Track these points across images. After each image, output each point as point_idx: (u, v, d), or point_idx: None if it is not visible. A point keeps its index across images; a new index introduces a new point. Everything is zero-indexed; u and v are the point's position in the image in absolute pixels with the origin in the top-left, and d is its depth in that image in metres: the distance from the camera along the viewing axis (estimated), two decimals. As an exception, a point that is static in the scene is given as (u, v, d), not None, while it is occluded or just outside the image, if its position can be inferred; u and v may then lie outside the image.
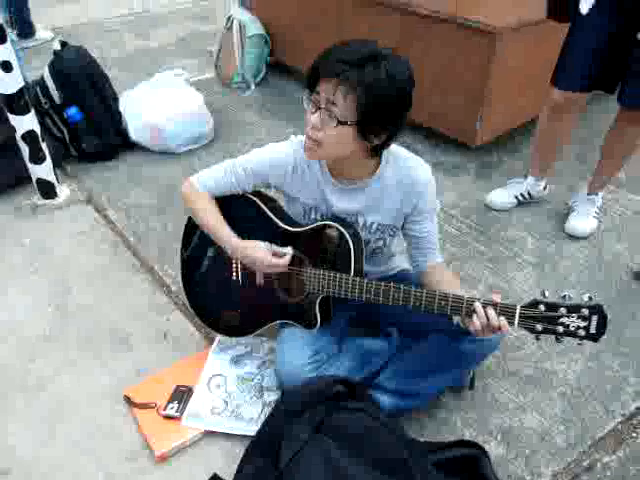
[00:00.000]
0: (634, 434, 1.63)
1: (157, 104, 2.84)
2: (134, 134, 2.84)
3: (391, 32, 2.78)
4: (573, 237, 2.32)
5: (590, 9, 1.88)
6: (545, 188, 2.48)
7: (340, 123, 1.27)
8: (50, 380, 1.76)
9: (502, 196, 2.48)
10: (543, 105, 2.21)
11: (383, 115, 1.28)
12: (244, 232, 1.58)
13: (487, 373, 1.77)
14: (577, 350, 1.82)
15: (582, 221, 2.33)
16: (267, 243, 1.50)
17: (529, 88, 2.67)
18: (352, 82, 1.22)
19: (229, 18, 3.50)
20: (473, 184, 2.66)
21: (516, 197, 2.47)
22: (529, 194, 2.46)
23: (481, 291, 2.08)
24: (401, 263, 1.77)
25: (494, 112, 2.66)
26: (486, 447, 1.50)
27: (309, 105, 1.32)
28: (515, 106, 2.76)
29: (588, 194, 2.36)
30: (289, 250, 1.49)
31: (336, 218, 1.50)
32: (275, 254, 1.48)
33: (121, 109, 2.86)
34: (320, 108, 1.29)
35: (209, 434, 1.59)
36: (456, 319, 1.39)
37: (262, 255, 1.47)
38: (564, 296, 1.25)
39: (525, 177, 2.47)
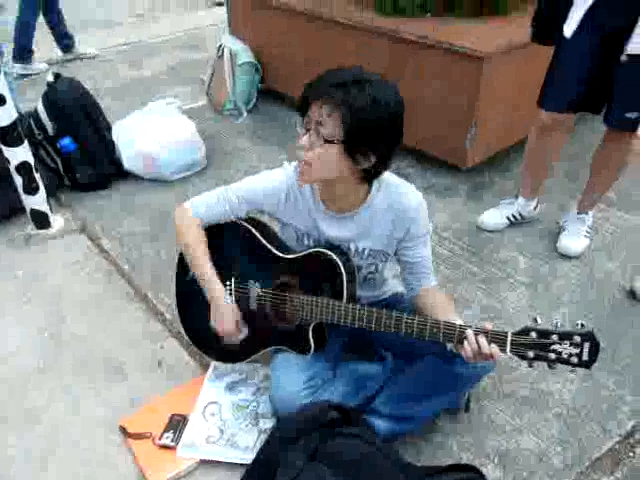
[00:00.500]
0: (631, 453, 1.62)
1: (150, 133, 2.87)
2: (127, 163, 2.87)
3: (380, 58, 2.83)
4: (565, 256, 2.34)
5: (573, 32, 1.92)
6: (536, 208, 2.50)
7: (327, 141, 1.30)
8: (44, 410, 1.75)
9: (494, 217, 2.50)
10: (531, 126, 2.24)
11: (368, 135, 1.30)
12: (235, 258, 1.59)
13: (483, 395, 1.76)
14: (571, 370, 1.82)
15: (573, 240, 2.34)
16: (237, 312, 1.60)
17: (518, 109, 2.71)
18: (336, 101, 1.26)
19: (220, 46, 3.56)
20: (465, 206, 2.68)
21: (508, 218, 2.49)
22: (520, 215, 2.49)
23: (475, 312, 2.08)
24: (394, 287, 1.78)
25: (484, 134, 2.70)
26: (483, 470, 1.49)
27: (301, 129, 1.35)
28: (505, 127, 2.80)
29: (578, 213, 2.38)
30: (244, 332, 1.62)
31: (328, 245, 1.51)
32: (238, 328, 1.60)
33: (114, 138, 2.89)
34: (309, 130, 1.32)
35: (205, 463, 1.57)
36: (449, 345, 1.39)
37: (227, 320, 1.58)
38: (556, 323, 1.25)
39: (516, 197, 2.50)
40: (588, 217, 2.38)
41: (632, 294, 2.13)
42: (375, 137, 1.32)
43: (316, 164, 1.34)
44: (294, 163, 1.52)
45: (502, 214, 2.50)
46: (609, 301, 2.12)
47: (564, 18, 1.94)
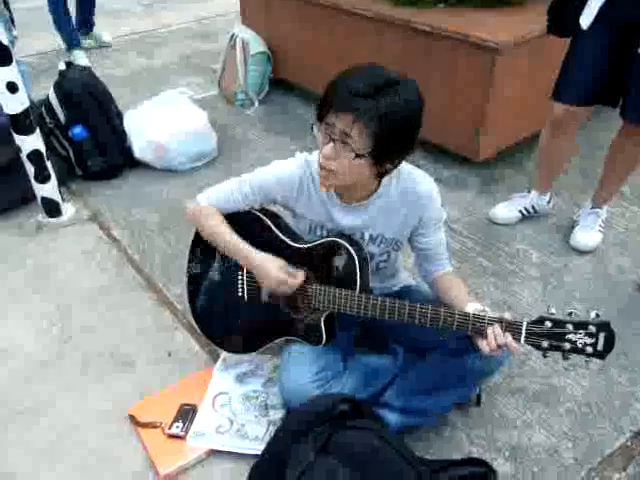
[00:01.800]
0: (644, 450, 1.61)
1: (161, 122, 2.86)
2: (138, 152, 2.86)
3: (393, 49, 2.80)
4: (578, 251, 2.32)
5: (590, 24, 1.89)
6: (549, 202, 2.48)
7: (358, 156, 1.28)
8: (51, 404, 1.75)
9: (506, 210, 2.48)
10: (546, 120, 2.21)
11: (399, 141, 1.31)
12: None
13: (494, 389, 1.75)
14: (584, 365, 1.78)
15: (587, 235, 2.32)
16: (281, 259, 1.50)
17: (531, 102, 2.68)
18: (369, 116, 1.23)
19: (232, 36, 3.54)
20: (476, 199, 2.66)
21: (520, 211, 2.47)
22: (533, 208, 2.46)
23: (486, 306, 2.05)
24: (405, 279, 1.78)
25: (497, 126, 2.67)
26: (494, 465, 1.49)
27: (321, 136, 1.33)
28: (518, 120, 2.77)
29: (592, 207, 2.35)
30: (301, 273, 1.49)
31: (342, 235, 1.50)
32: (287, 272, 1.49)
33: (125, 128, 2.88)
34: (334, 140, 1.29)
35: (214, 453, 1.58)
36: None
37: (274, 269, 1.46)
38: (571, 313, 1.24)
39: (529, 191, 2.47)
40: (602, 212, 2.36)
41: (645, 289, 2.10)
42: (404, 142, 1.32)
43: (342, 174, 1.33)
44: (305, 153, 1.52)
45: (514, 207, 2.48)
46: (622, 297, 2.10)
47: (581, 9, 1.91)
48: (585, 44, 1.94)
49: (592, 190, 2.39)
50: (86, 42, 4.48)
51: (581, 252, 2.31)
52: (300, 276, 1.49)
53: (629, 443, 1.62)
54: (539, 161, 2.40)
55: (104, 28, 4.67)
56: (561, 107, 2.08)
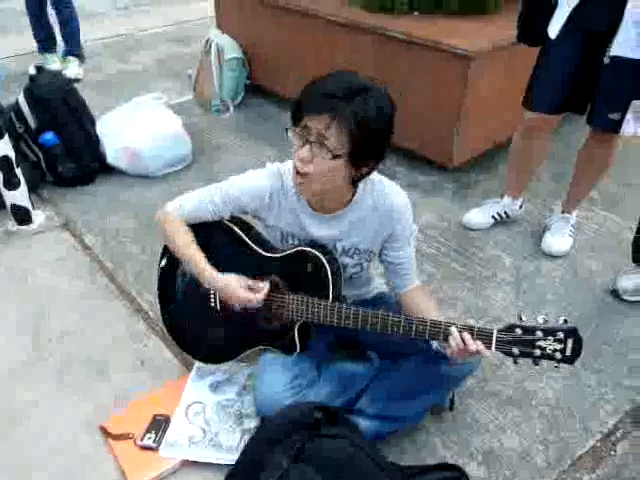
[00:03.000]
0: (612, 452, 1.64)
1: (135, 127, 2.83)
2: (112, 158, 2.83)
3: (367, 55, 2.82)
4: (549, 255, 2.35)
5: (558, 33, 1.93)
6: (521, 207, 2.51)
7: (335, 157, 1.28)
8: (26, 412, 1.72)
9: (479, 216, 2.51)
10: (517, 127, 2.25)
11: (375, 145, 1.32)
12: (220, 258, 1.57)
13: (467, 394, 1.77)
14: (556, 370, 1.83)
15: (558, 240, 2.36)
16: (243, 277, 1.50)
17: (504, 109, 2.72)
18: (346, 116, 1.24)
19: (207, 41, 3.52)
20: (451, 204, 2.69)
21: (493, 217, 2.50)
22: (506, 213, 2.50)
23: (460, 310, 2.09)
24: (379, 286, 1.78)
25: (471, 133, 2.70)
26: (467, 469, 1.50)
27: (295, 138, 1.32)
28: (491, 127, 2.81)
29: (562, 212, 2.40)
30: (265, 285, 1.49)
31: (313, 243, 1.50)
32: (251, 288, 1.48)
33: (99, 133, 2.85)
34: (310, 142, 1.29)
35: (188, 464, 1.56)
36: (435, 343, 1.39)
37: (236, 291, 1.47)
38: (541, 319, 1.26)
39: (501, 197, 2.50)
40: (572, 217, 2.40)
41: (615, 293, 2.14)
42: (380, 144, 1.33)
43: (319, 177, 1.33)
44: (277, 163, 1.51)
45: (487, 213, 2.51)
46: (593, 300, 2.14)
47: (548, 19, 1.95)
48: (553, 53, 1.98)
49: (563, 194, 2.43)
50: (51, 58, 4.11)
51: (552, 257, 2.35)
52: (264, 288, 1.48)
53: (598, 444, 1.65)
54: (510, 167, 2.44)
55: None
56: (532, 114, 2.12)
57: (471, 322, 2.01)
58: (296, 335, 1.54)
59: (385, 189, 1.48)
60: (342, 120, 1.24)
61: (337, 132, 1.26)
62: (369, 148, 1.31)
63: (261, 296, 1.47)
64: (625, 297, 2.11)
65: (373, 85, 1.29)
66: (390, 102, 1.31)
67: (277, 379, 1.52)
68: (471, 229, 2.51)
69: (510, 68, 2.62)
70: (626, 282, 2.12)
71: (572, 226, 2.39)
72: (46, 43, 4.08)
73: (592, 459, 1.61)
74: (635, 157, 2.97)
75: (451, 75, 2.55)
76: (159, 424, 1.64)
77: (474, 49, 2.45)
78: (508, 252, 2.39)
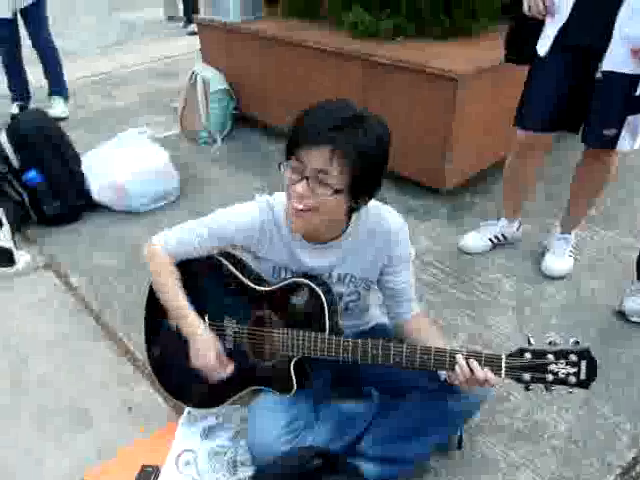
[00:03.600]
0: (634, 486, 1.54)
1: (120, 162, 2.77)
2: (97, 194, 2.76)
3: (355, 81, 2.79)
4: (550, 277, 2.28)
5: (547, 51, 1.89)
6: (518, 229, 2.45)
7: (336, 192, 1.23)
8: (3, 464, 1.61)
9: (476, 239, 2.44)
10: (511, 146, 2.20)
11: (373, 174, 1.27)
12: (209, 293, 1.50)
13: (474, 429, 1.67)
14: (566, 398, 1.74)
15: (558, 261, 2.29)
16: (221, 348, 1.46)
17: (495, 129, 2.69)
18: (347, 149, 1.19)
19: (192, 74, 3.50)
20: (446, 228, 2.62)
21: (490, 239, 2.43)
22: (503, 236, 2.43)
23: (462, 339, 2.00)
24: (377, 317, 1.70)
25: (462, 155, 2.66)
26: (480, 514, 1.40)
27: (289, 173, 1.26)
28: (483, 147, 2.77)
29: (562, 233, 2.33)
30: (230, 367, 1.46)
31: (307, 275, 1.43)
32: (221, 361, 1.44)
33: (84, 169, 2.78)
34: (307, 177, 1.23)
35: (179, 520, 1.45)
36: (443, 374, 1.31)
37: (209, 354, 1.42)
38: (550, 342, 1.19)
39: (498, 219, 2.44)
40: (571, 237, 2.33)
41: (621, 314, 2.07)
42: (377, 175, 1.29)
43: (318, 212, 1.27)
44: (266, 196, 1.45)
45: (484, 236, 2.44)
46: (599, 322, 2.06)
47: (537, 37, 1.92)
48: (543, 71, 1.94)
49: (560, 214, 2.38)
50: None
51: (554, 278, 2.28)
52: (229, 369, 1.46)
53: (618, 480, 1.55)
54: (505, 188, 2.39)
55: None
56: (524, 134, 2.07)
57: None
58: (292, 372, 1.45)
59: (380, 213, 1.43)
60: (343, 153, 1.19)
61: (338, 166, 1.20)
62: (370, 178, 1.27)
63: (223, 374, 1.45)
64: (633, 319, 2.03)
65: (368, 113, 1.25)
66: (386, 128, 1.27)
67: (272, 424, 1.42)
68: (468, 253, 2.44)
69: (497, 89, 2.60)
70: (633, 304, 2.04)
71: (572, 246, 2.32)
72: (21, 96, 3.96)
73: (612, 496, 1.51)
74: (628, 172, 2.93)
75: (439, 97, 2.52)
76: (148, 476, 1.53)
77: (460, 71, 2.42)
78: (508, 275, 2.32)
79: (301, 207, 1.26)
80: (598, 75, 1.81)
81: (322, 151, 1.19)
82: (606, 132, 1.89)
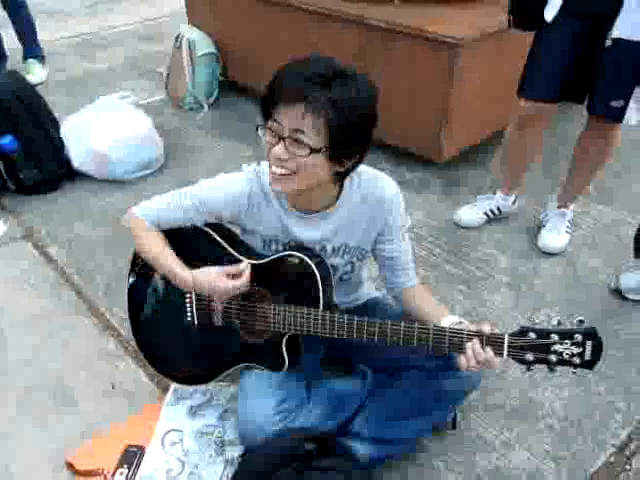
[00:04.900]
0: (628, 466, 1.52)
1: (102, 129, 2.65)
2: (77, 162, 2.64)
3: (347, 46, 2.67)
4: (546, 253, 2.23)
5: (555, 16, 1.80)
6: (514, 203, 2.39)
7: (313, 151, 1.14)
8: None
9: (471, 213, 2.38)
10: (511, 117, 2.12)
11: (355, 136, 1.18)
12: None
13: (469, 408, 1.63)
14: (562, 376, 1.71)
15: (554, 236, 2.24)
16: (219, 267, 1.34)
17: (494, 99, 2.60)
18: (321, 105, 1.10)
19: (178, 36, 3.34)
20: (441, 202, 2.55)
21: (485, 213, 2.37)
22: (498, 210, 2.37)
23: (457, 315, 1.95)
24: (371, 290, 1.65)
25: (460, 125, 2.57)
26: (474, 495, 1.37)
27: (267, 135, 1.18)
28: (480, 119, 2.68)
29: (558, 207, 2.28)
30: (244, 265, 1.33)
31: (299, 247, 1.35)
32: (230, 274, 1.32)
33: (63, 136, 2.66)
34: (283, 138, 1.14)
35: (165, 502, 1.40)
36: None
37: (218, 280, 1.31)
38: (555, 321, 1.13)
39: (493, 192, 2.38)
40: (568, 212, 2.28)
41: (618, 291, 2.03)
42: (362, 135, 1.19)
43: (299, 175, 1.19)
44: (253, 165, 1.36)
45: (479, 210, 2.38)
46: (595, 300, 2.03)
47: (544, 2, 1.82)
48: (550, 37, 1.85)
49: (557, 189, 2.32)
50: None
51: (549, 254, 2.23)
52: (245, 270, 1.32)
53: (612, 459, 1.53)
54: (503, 161, 2.32)
55: (43, 29, 4.36)
56: (527, 103, 1.99)
57: (482, 325, 1.87)
58: (284, 349, 1.38)
59: (373, 180, 1.35)
60: (318, 110, 1.10)
61: (313, 123, 1.11)
62: (351, 139, 1.17)
63: (245, 279, 1.31)
64: (629, 296, 2.00)
65: (351, 70, 1.15)
66: (373, 90, 1.18)
67: (262, 404, 1.36)
68: (463, 227, 2.38)
69: (499, 56, 2.50)
70: (629, 280, 2.00)
71: (569, 222, 2.27)
72: None
73: (607, 476, 1.48)
74: (624, 146, 2.87)
75: (437, 64, 2.41)
76: (132, 456, 1.48)
77: (461, 36, 2.31)
78: (503, 251, 2.26)
79: (281, 172, 1.18)
80: (608, 43, 1.72)
81: (296, 108, 1.11)
82: (614, 103, 1.81)
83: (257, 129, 1.20)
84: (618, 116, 1.84)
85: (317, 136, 1.13)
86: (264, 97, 1.18)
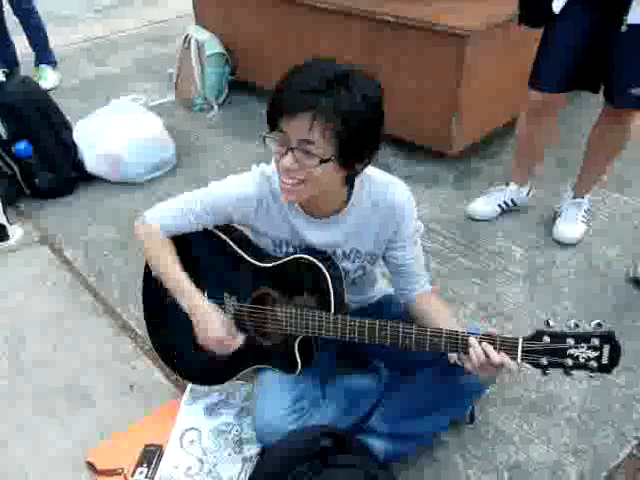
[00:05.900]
0: (650, 458, 1.50)
1: (114, 132, 2.66)
2: (91, 166, 2.66)
3: (355, 41, 2.66)
4: (562, 244, 2.20)
5: (563, 6, 1.77)
6: (529, 194, 2.36)
7: (323, 161, 1.12)
8: (2, 447, 1.56)
9: (485, 206, 2.36)
10: (523, 109, 2.09)
11: (364, 140, 1.15)
12: (207, 270, 1.42)
13: (487, 402, 1.62)
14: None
15: (570, 226, 2.21)
16: (227, 319, 1.38)
17: (506, 91, 2.57)
18: (328, 114, 1.07)
19: (186, 37, 3.35)
20: (453, 195, 2.53)
21: (499, 205, 2.35)
22: (512, 201, 2.35)
23: (472, 309, 1.94)
24: (384, 289, 1.63)
25: (470, 118, 2.54)
26: (494, 489, 1.36)
27: (275, 145, 1.16)
28: (492, 110, 2.65)
29: (574, 197, 2.25)
30: (241, 337, 1.39)
31: (310, 250, 1.34)
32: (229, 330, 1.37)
33: (76, 140, 2.68)
34: (292, 149, 1.12)
35: (184, 500, 1.41)
36: (453, 357, 1.24)
37: (219, 326, 1.35)
38: (572, 324, 1.11)
39: (507, 184, 2.35)
40: (584, 201, 2.25)
41: (636, 282, 2.00)
42: (371, 137, 1.16)
43: (309, 184, 1.17)
44: (262, 165, 1.35)
45: (493, 202, 2.36)
46: (613, 290, 2.00)
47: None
48: (560, 28, 1.82)
49: (571, 179, 2.29)
50: None
51: (565, 245, 2.20)
52: (239, 340, 1.38)
53: (634, 452, 1.50)
54: (517, 152, 2.29)
55: (54, 34, 4.40)
56: (539, 95, 1.96)
57: (484, 323, 1.86)
58: (296, 351, 1.38)
59: (384, 186, 1.32)
60: (324, 118, 1.07)
61: (321, 133, 1.09)
62: (360, 144, 1.15)
63: (234, 345, 1.38)
64: (648, 286, 1.97)
65: (353, 69, 1.12)
66: (379, 88, 1.14)
67: (277, 403, 1.36)
68: (476, 220, 2.36)
69: (509, 47, 2.47)
70: (648, 270, 1.97)
71: (585, 211, 2.24)
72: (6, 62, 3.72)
73: (630, 468, 1.46)
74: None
75: (446, 57, 2.39)
76: (152, 455, 1.49)
77: (470, 28, 2.29)
78: (518, 243, 2.24)
79: (292, 182, 1.16)
80: (623, 28, 1.68)
81: (302, 120, 1.08)
82: (633, 91, 1.77)
83: (264, 140, 1.17)
84: (637, 104, 1.80)
85: (326, 146, 1.11)
86: (268, 109, 1.16)
